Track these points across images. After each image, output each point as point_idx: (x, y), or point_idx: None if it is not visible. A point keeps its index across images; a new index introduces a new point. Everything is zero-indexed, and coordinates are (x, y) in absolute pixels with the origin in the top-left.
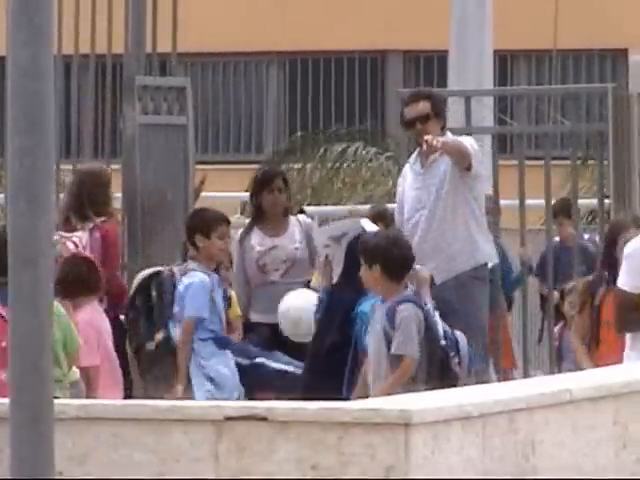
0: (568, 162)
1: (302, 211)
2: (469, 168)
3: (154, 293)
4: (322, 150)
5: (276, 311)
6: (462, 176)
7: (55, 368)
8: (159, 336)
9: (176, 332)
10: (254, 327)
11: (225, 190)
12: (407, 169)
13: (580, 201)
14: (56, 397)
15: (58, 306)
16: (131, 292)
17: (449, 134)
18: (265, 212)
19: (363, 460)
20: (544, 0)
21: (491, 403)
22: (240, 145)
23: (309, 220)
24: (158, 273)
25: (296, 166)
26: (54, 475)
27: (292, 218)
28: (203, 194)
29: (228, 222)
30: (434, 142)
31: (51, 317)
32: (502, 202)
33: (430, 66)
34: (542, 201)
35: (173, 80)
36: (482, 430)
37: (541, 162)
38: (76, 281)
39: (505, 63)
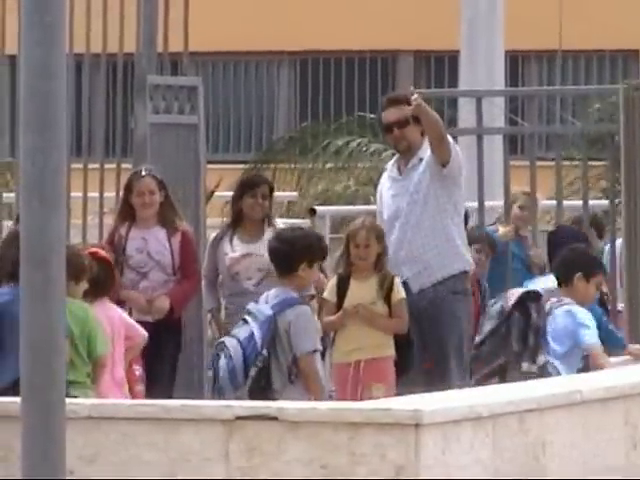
0: (579, 162)
1: (313, 211)
2: (445, 164)
3: (534, 314)
4: (326, 143)
5: None
6: (440, 179)
7: (76, 370)
8: (541, 359)
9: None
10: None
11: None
12: (385, 176)
13: (592, 202)
14: (75, 397)
15: (88, 309)
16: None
17: (426, 142)
18: (244, 217)
19: (373, 460)
20: (555, 1)
21: (501, 404)
22: (251, 144)
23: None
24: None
25: (295, 165)
26: (65, 474)
27: (269, 227)
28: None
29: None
30: (413, 98)
31: (63, 316)
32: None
33: (441, 66)
34: (553, 202)
35: (184, 79)
36: (492, 430)
37: (552, 162)
38: (91, 281)
39: (516, 63)
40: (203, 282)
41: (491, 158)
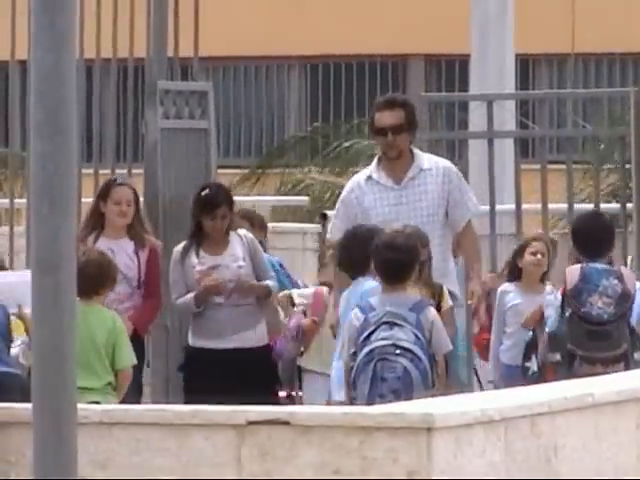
0: (590, 166)
1: (324, 216)
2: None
3: None
4: (333, 146)
5: (222, 336)
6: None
7: (97, 377)
8: None
9: None
10: (196, 353)
11: (244, 194)
12: (362, 180)
13: (602, 205)
14: (97, 402)
15: (116, 318)
16: None
17: (417, 151)
18: (205, 232)
19: (385, 464)
20: (565, 4)
21: (513, 407)
22: (262, 149)
23: (250, 235)
24: None
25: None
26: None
27: (232, 233)
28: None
29: None
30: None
31: (74, 321)
32: (524, 206)
33: (451, 70)
34: (564, 205)
35: (195, 84)
36: (504, 434)
37: (563, 166)
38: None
39: (527, 67)
40: (174, 298)
41: (502, 161)
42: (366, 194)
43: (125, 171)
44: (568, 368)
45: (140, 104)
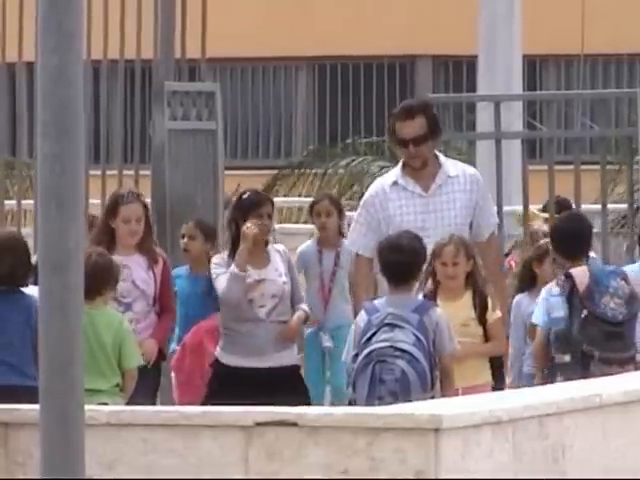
0: (598, 167)
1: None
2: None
3: None
4: (332, 164)
5: (261, 354)
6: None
7: (106, 379)
8: None
9: None
10: (232, 372)
11: None
12: (386, 186)
13: (610, 206)
14: (105, 403)
15: (122, 319)
16: None
17: (442, 157)
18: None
19: (393, 465)
20: (573, 5)
21: (521, 408)
22: (269, 150)
23: (286, 249)
24: None
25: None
26: None
27: (271, 247)
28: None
29: None
30: None
31: (81, 323)
32: (531, 207)
33: (459, 71)
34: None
35: (202, 85)
36: (512, 435)
37: (571, 167)
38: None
39: (534, 68)
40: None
41: (509, 162)
42: (390, 200)
43: (132, 172)
44: (582, 369)
45: (147, 105)
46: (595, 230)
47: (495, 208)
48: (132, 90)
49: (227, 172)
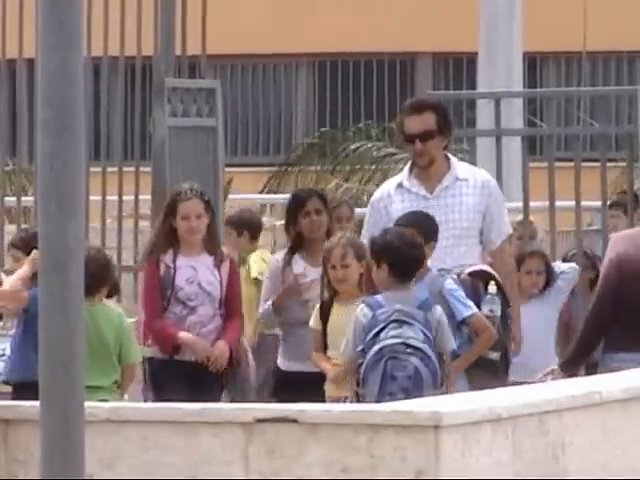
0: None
1: None
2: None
3: None
4: (340, 149)
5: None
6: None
7: (106, 376)
8: None
9: None
10: (288, 377)
11: (254, 192)
12: (392, 188)
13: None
14: (105, 400)
15: (122, 315)
16: None
17: (453, 159)
18: (304, 239)
19: (393, 462)
20: (573, 2)
21: (521, 405)
22: (269, 147)
23: None
24: None
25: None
26: (84, 478)
27: None
28: (232, 196)
29: None
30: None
31: (82, 321)
32: (532, 204)
33: (459, 68)
34: (572, 203)
35: (202, 82)
36: (512, 432)
37: (571, 164)
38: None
39: (534, 65)
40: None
41: (510, 159)
42: (394, 203)
43: (132, 169)
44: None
45: (148, 102)
46: (596, 227)
47: (507, 219)
48: (132, 87)
49: (227, 169)
